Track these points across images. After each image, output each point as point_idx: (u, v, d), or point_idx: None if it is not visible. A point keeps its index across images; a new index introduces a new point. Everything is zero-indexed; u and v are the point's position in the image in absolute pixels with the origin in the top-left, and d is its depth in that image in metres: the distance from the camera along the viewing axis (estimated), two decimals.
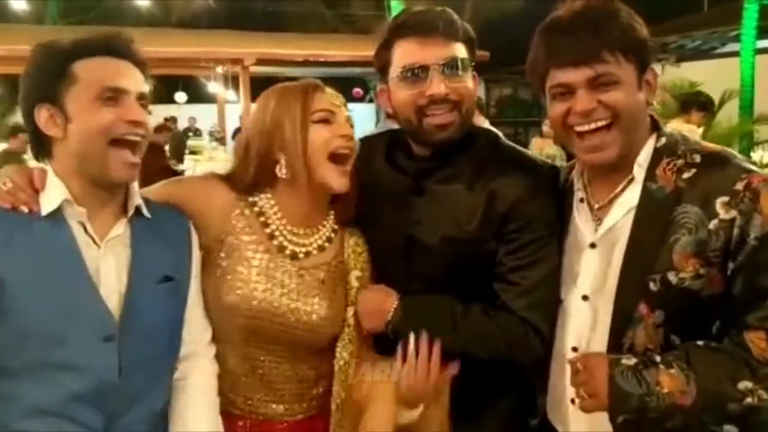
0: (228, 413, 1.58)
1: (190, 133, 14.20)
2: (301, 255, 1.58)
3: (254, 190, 1.60)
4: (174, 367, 1.50)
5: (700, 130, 5.90)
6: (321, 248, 1.61)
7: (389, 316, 1.56)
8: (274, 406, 1.59)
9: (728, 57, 10.29)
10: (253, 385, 1.59)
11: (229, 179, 1.61)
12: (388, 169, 1.69)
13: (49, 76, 1.35)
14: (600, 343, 1.44)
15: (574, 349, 1.50)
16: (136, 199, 1.44)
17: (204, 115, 16.86)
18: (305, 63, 14.27)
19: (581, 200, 1.53)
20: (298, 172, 1.52)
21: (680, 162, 1.38)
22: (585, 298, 1.48)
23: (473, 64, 1.62)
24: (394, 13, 9.86)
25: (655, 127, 1.46)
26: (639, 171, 1.42)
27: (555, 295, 1.55)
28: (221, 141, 15.67)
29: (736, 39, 9.76)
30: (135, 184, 1.46)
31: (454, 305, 1.56)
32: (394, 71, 1.59)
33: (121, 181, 1.39)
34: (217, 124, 16.71)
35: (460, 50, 1.58)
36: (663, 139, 1.43)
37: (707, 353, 1.33)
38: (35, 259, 1.30)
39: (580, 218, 1.52)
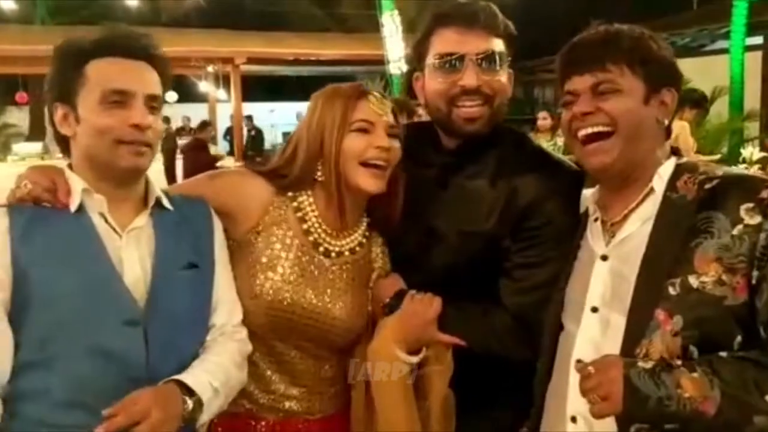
0: (250, 413, 1.61)
1: (183, 133, 14.15)
2: (334, 254, 1.61)
3: (296, 188, 1.62)
4: (199, 353, 1.48)
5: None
6: (353, 251, 1.64)
7: (387, 300, 1.59)
8: (295, 402, 1.61)
9: (717, 54, 10.34)
10: (276, 380, 1.61)
11: (268, 174, 1.64)
12: (414, 161, 1.69)
13: (66, 76, 1.38)
14: (611, 353, 1.35)
15: (579, 362, 1.41)
16: (156, 192, 1.46)
17: (195, 115, 16.80)
18: (296, 62, 14.27)
19: (595, 220, 1.51)
20: (330, 177, 1.55)
21: (702, 177, 1.36)
22: (594, 310, 1.43)
23: (510, 60, 1.64)
24: (385, 12, 9.86)
25: (675, 153, 1.46)
26: (659, 182, 1.40)
27: (555, 306, 1.52)
28: (213, 140, 15.63)
29: (725, 36, 9.82)
30: (154, 181, 1.49)
31: (447, 301, 1.57)
32: (431, 59, 1.61)
33: (130, 168, 1.39)
34: None
35: (499, 45, 1.60)
36: (684, 159, 1.44)
37: (732, 361, 1.24)
38: (56, 250, 1.33)
39: (592, 236, 1.50)
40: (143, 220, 1.43)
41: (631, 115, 1.38)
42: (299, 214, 1.61)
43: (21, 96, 15.03)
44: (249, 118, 14.96)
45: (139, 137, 1.36)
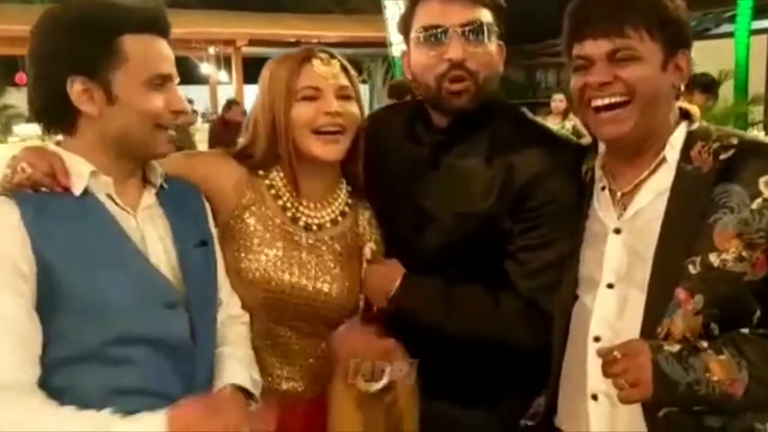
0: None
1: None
2: (315, 227, 1.58)
3: (265, 165, 1.59)
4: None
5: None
6: (334, 222, 1.60)
7: (392, 292, 1.54)
8: (294, 383, 1.60)
9: (723, 38, 10.26)
10: (273, 362, 1.59)
11: (239, 155, 1.60)
12: (405, 140, 1.66)
13: (90, 48, 1.24)
14: (630, 332, 1.35)
15: (596, 339, 1.42)
16: (159, 169, 1.42)
17: (196, 97, 16.74)
18: (298, 44, 14.11)
19: (602, 188, 1.47)
20: (284, 149, 1.51)
21: (716, 144, 1.32)
22: (610, 286, 1.41)
23: (499, 33, 1.57)
24: None
25: (686, 117, 1.42)
26: (671, 152, 1.36)
27: (568, 286, 1.49)
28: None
29: (731, 20, 9.74)
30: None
31: (451, 284, 1.54)
32: (414, 33, 1.55)
33: (164, 154, 1.39)
34: (209, 105, 16.61)
35: (485, 15, 1.53)
36: (695, 125, 1.38)
37: (755, 340, 1.26)
38: (77, 238, 1.24)
39: (601, 207, 1.46)
40: (151, 199, 1.39)
41: (650, 84, 1.33)
42: (273, 192, 1.58)
43: (21, 77, 14.94)
44: (230, 103, 13.31)
45: (175, 122, 1.34)
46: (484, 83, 1.54)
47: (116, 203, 1.32)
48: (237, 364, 1.45)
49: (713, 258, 1.27)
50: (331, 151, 1.51)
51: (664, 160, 1.37)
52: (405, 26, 1.60)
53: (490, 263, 1.55)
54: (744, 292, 1.28)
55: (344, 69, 1.55)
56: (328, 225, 1.59)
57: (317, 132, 1.50)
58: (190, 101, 15.79)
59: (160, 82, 1.31)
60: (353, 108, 1.54)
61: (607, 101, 1.34)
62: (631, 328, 1.35)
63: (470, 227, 1.55)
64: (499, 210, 1.53)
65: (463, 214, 1.55)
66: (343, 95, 1.52)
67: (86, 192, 1.29)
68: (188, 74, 16.33)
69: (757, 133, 5.98)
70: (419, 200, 1.60)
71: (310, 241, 1.56)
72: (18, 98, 14.20)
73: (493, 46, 1.55)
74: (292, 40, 13.82)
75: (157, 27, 1.32)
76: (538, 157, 1.53)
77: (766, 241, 1.25)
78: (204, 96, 16.74)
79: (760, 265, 1.26)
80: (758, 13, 9.38)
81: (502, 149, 1.55)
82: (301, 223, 1.57)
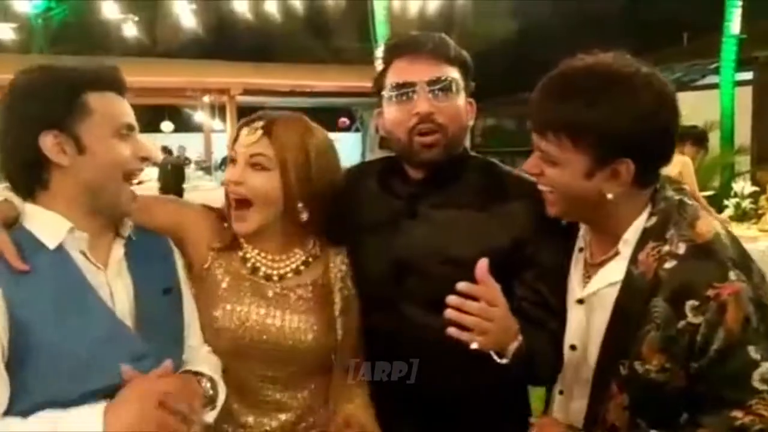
0: None
1: (182, 162, 14.20)
2: (276, 277, 1.58)
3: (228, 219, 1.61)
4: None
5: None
6: (296, 271, 1.60)
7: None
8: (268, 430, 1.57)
9: (709, 89, 10.47)
10: (245, 412, 1.57)
11: (216, 209, 1.64)
12: (381, 193, 1.69)
13: (59, 104, 1.31)
14: (584, 392, 1.44)
15: (561, 392, 1.52)
16: (129, 222, 1.44)
17: (190, 144, 16.88)
18: (292, 93, 14.37)
19: (580, 249, 1.51)
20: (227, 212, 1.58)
21: (665, 249, 1.31)
22: (573, 347, 1.47)
23: (467, 89, 1.62)
24: (380, 43, 9.96)
25: (651, 200, 1.38)
26: (625, 248, 1.38)
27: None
28: (207, 170, 15.66)
29: (716, 71, 9.95)
30: None
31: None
32: (386, 91, 1.61)
33: (129, 214, 1.41)
34: (203, 153, 16.73)
35: (451, 72, 1.59)
36: (653, 219, 1.35)
37: None
38: (49, 295, 1.26)
39: (575, 269, 1.51)
40: (120, 252, 1.41)
41: (564, 188, 1.37)
42: (236, 241, 1.60)
43: None
44: (165, 149, 12.98)
45: (143, 166, 1.40)
46: (452, 136, 1.58)
47: (88, 259, 1.36)
48: (190, 363, 1.49)
49: (638, 366, 1.32)
50: (239, 227, 1.54)
51: (618, 252, 1.39)
52: (378, 86, 1.66)
53: None
54: (668, 396, 1.32)
55: (270, 137, 1.50)
56: (290, 275, 1.59)
57: (229, 203, 1.56)
58: (182, 148, 16.02)
59: (126, 132, 1.37)
60: (261, 180, 1.50)
61: (541, 188, 1.45)
62: (586, 390, 1.43)
63: (458, 274, 1.54)
64: (492, 258, 1.51)
65: (450, 262, 1.55)
66: (253, 163, 1.51)
67: (60, 247, 1.32)
68: (183, 122, 16.53)
69: (743, 184, 6.03)
70: (398, 250, 1.61)
71: (276, 291, 1.57)
72: None
73: (460, 101, 1.60)
74: (286, 89, 14.03)
75: (115, 85, 1.40)
76: (524, 205, 1.56)
77: (684, 360, 1.28)
78: (198, 143, 16.88)
79: (680, 378, 1.30)
80: (742, 64, 9.61)
81: (482, 199, 1.60)
82: (261, 274, 1.58)
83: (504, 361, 1.37)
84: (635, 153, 1.30)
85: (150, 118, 16.54)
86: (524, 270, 1.55)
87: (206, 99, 14.72)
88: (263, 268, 1.58)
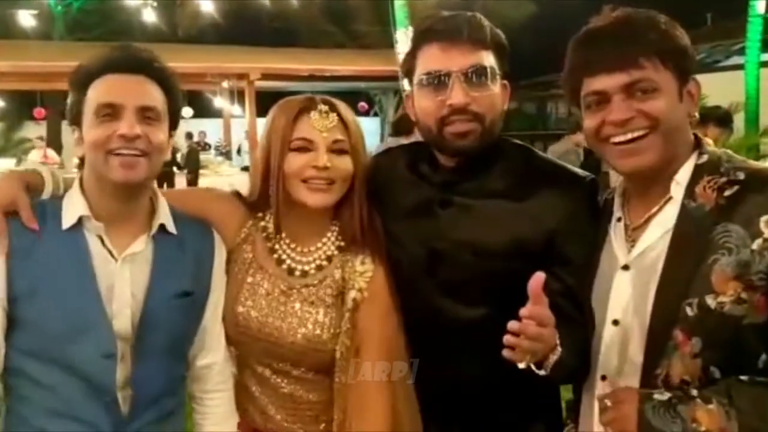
0: (246, 423, 1.60)
1: (199, 148, 14.29)
2: (298, 272, 1.56)
3: (261, 206, 1.60)
4: (186, 374, 1.54)
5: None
6: (319, 267, 1.57)
7: None
8: (286, 425, 1.57)
9: (733, 70, 10.30)
10: (266, 400, 1.58)
11: (243, 197, 1.64)
12: (411, 179, 1.64)
13: (74, 100, 1.40)
14: (632, 372, 1.33)
15: (603, 378, 1.39)
16: (162, 217, 1.45)
17: (210, 130, 16.95)
18: (310, 78, 14.35)
19: (618, 219, 1.45)
20: (274, 191, 1.52)
21: (722, 180, 1.27)
22: (615, 322, 1.37)
23: (502, 72, 1.54)
24: (399, 28, 9.93)
25: (697, 145, 1.36)
26: (677, 189, 1.31)
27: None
28: (227, 155, 15.73)
29: (740, 52, 9.79)
30: (164, 202, 1.48)
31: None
32: (417, 77, 1.53)
33: (122, 180, 1.36)
34: (222, 138, 16.81)
35: (487, 58, 1.50)
36: (705, 157, 1.32)
37: (751, 389, 1.20)
38: (49, 272, 1.33)
39: (616, 239, 1.43)
40: (142, 245, 1.41)
41: (671, 114, 1.28)
42: (264, 234, 1.59)
43: (38, 111, 15.22)
44: (189, 135, 13.38)
45: (128, 147, 1.34)
46: (490, 125, 1.51)
47: (105, 246, 1.38)
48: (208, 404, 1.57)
49: (710, 300, 1.22)
50: (317, 199, 1.50)
51: (671, 197, 1.33)
52: (407, 69, 1.59)
53: (509, 299, 1.51)
54: (744, 335, 1.22)
55: (342, 121, 1.53)
56: (313, 271, 1.57)
57: (305, 181, 1.51)
58: (203, 134, 16.07)
59: (109, 111, 1.35)
60: (345, 163, 1.51)
61: (629, 136, 1.29)
62: (633, 368, 1.33)
63: (490, 264, 1.51)
64: (522, 249, 1.50)
65: (482, 252, 1.51)
66: (336, 149, 1.51)
67: (81, 231, 1.37)
68: (203, 108, 16.59)
69: None
70: (432, 241, 1.56)
71: (291, 286, 1.55)
72: (35, 131, 14.43)
73: (496, 87, 1.52)
74: (305, 74, 14.01)
75: (115, 66, 1.39)
76: (559, 196, 1.51)
77: (766, 283, 1.20)
78: (218, 129, 16.95)
79: (760, 308, 1.21)
80: (766, 45, 9.43)
81: (519, 188, 1.53)
82: (284, 266, 1.56)
83: (542, 372, 1.32)
84: (694, 72, 1.34)
85: None
86: (557, 263, 1.48)
87: (225, 84, 14.74)
88: (288, 261, 1.57)
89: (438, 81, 1.48)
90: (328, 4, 17.57)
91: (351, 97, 16.70)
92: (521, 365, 1.27)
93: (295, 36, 16.84)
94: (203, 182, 12.02)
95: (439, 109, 1.49)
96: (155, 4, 14.30)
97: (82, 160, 1.43)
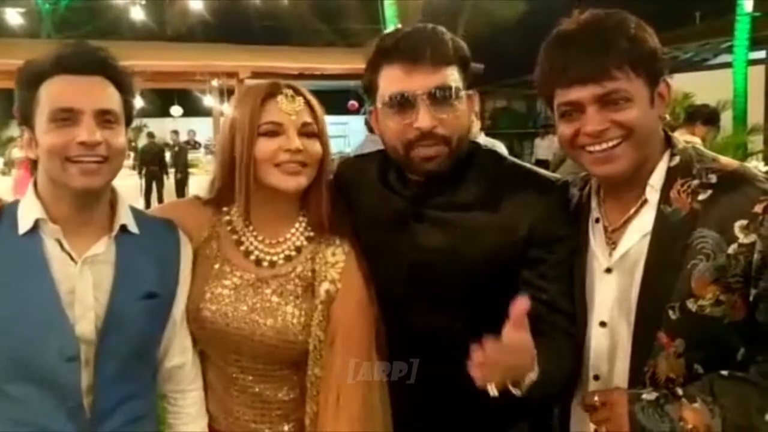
0: (212, 428, 1.58)
1: (189, 147, 14.23)
2: (266, 263, 1.54)
3: (225, 201, 1.58)
4: (156, 377, 1.54)
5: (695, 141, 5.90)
6: (288, 258, 1.55)
7: None
8: (254, 425, 1.55)
9: (721, 68, 10.36)
10: (233, 401, 1.56)
11: (203, 198, 1.62)
12: (382, 192, 1.62)
13: (24, 99, 1.33)
14: (621, 372, 1.39)
15: (596, 378, 1.44)
16: (123, 218, 1.42)
17: (199, 128, 16.88)
18: (301, 76, 14.28)
19: (596, 220, 1.47)
20: (242, 179, 1.49)
21: (695, 183, 1.31)
22: (603, 324, 1.41)
23: (466, 83, 1.52)
24: (389, 26, 9.92)
25: (668, 144, 1.39)
26: (652, 193, 1.35)
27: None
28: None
29: (729, 50, 9.85)
30: (124, 203, 1.45)
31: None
32: (381, 98, 1.50)
33: (82, 187, 1.33)
34: (212, 137, 16.73)
35: (452, 75, 1.47)
36: (676, 158, 1.36)
37: (733, 385, 1.27)
38: (6, 278, 1.31)
39: (596, 241, 1.45)
40: (102, 247, 1.39)
41: (645, 123, 1.31)
42: (229, 228, 1.57)
43: None
44: (175, 133, 13.63)
45: (88, 154, 1.30)
46: (457, 144, 1.49)
47: (63, 249, 1.35)
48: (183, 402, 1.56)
49: (691, 304, 1.28)
50: (291, 182, 1.48)
51: (646, 200, 1.36)
52: (367, 86, 1.55)
53: (490, 306, 1.45)
54: (725, 333, 1.28)
55: (309, 105, 1.52)
56: (281, 261, 1.55)
57: (278, 165, 1.48)
58: (193, 132, 15.96)
59: (66, 116, 1.30)
60: (314, 146, 1.51)
61: (604, 146, 1.32)
62: (622, 367, 1.38)
63: (469, 275, 1.51)
64: (499, 257, 1.49)
65: (459, 264, 1.51)
66: (305, 132, 1.50)
67: (35, 232, 1.34)
68: (192, 106, 16.53)
69: (756, 164, 5.98)
70: (409, 253, 1.54)
71: (260, 277, 1.53)
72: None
73: (461, 104, 1.49)
74: (295, 72, 13.96)
75: (70, 66, 1.32)
76: (532, 202, 1.50)
77: (742, 286, 1.25)
78: (208, 127, 16.88)
79: (739, 308, 1.26)
80: (755, 43, 9.50)
81: (492, 195, 1.52)
82: (252, 258, 1.55)
83: (517, 392, 1.30)
84: (664, 71, 1.36)
85: (160, 103, 16.57)
86: (534, 270, 1.48)
87: (215, 83, 14.67)
88: (255, 252, 1.55)
89: (403, 103, 1.46)
90: (318, 3, 17.53)
91: (341, 96, 16.69)
92: (491, 393, 1.25)
93: (285, 34, 16.77)
94: (193, 181, 12.00)
95: (406, 132, 1.47)
96: (144, 1, 14.20)
97: (34, 162, 1.37)
